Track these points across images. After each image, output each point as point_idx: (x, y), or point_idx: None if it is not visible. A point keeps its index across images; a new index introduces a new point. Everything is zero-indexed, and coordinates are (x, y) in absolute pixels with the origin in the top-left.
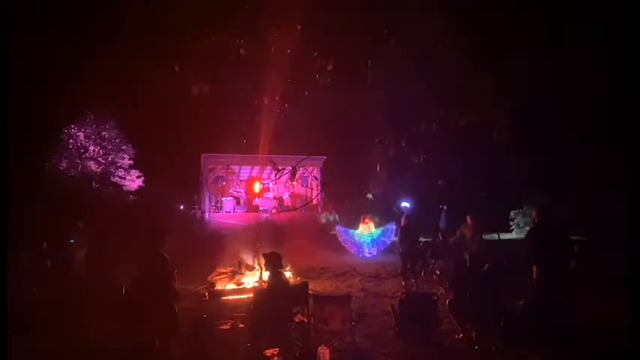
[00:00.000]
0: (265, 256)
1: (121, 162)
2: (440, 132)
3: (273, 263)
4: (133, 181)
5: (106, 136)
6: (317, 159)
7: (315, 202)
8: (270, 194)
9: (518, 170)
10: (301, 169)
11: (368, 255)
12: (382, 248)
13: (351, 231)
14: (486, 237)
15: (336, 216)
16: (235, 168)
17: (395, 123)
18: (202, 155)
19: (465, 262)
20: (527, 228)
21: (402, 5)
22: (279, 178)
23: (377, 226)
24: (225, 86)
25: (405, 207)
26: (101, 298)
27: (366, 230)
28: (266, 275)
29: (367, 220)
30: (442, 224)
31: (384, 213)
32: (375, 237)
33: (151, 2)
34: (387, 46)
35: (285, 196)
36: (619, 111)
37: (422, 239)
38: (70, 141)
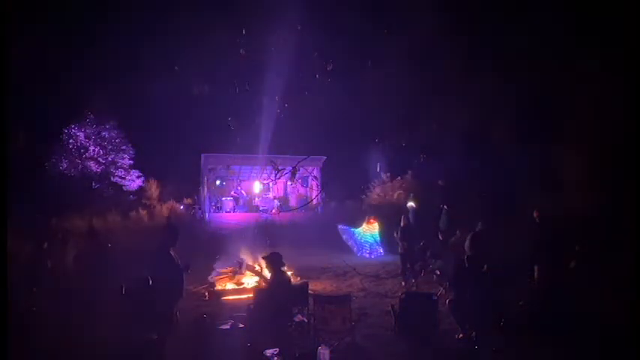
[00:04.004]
0: (265, 258)
1: (121, 162)
2: (439, 131)
3: (275, 263)
4: (133, 181)
5: (106, 136)
6: (317, 159)
7: (315, 202)
8: (270, 194)
9: (518, 170)
10: (301, 169)
11: (367, 255)
12: (380, 254)
13: (352, 229)
14: None
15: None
16: (235, 168)
17: (395, 122)
18: (202, 155)
19: (465, 262)
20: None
21: (401, 5)
22: (280, 178)
23: (383, 227)
24: (225, 86)
25: (412, 207)
26: (100, 299)
27: (369, 230)
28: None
29: (372, 221)
30: (442, 224)
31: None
32: (377, 239)
33: (151, 2)
34: (387, 46)
35: (289, 196)
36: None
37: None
38: (70, 141)
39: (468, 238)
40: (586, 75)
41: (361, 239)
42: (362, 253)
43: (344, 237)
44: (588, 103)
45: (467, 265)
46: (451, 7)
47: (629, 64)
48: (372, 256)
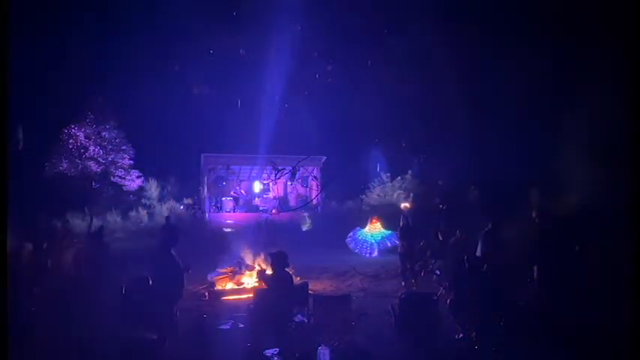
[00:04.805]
0: (272, 255)
1: (121, 162)
2: (439, 131)
3: (279, 262)
4: (133, 181)
5: (106, 136)
6: (317, 159)
7: (314, 202)
8: (270, 194)
9: (518, 170)
10: (301, 169)
11: (368, 255)
12: (382, 248)
13: (358, 231)
14: None
15: None
16: (235, 168)
17: (395, 122)
18: (202, 155)
19: (465, 262)
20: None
21: (401, 6)
22: (280, 178)
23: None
24: (225, 86)
25: (406, 208)
26: (100, 299)
27: (372, 230)
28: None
29: (375, 221)
30: (442, 224)
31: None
32: (378, 239)
33: (151, 2)
34: (387, 47)
35: (289, 196)
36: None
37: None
38: (70, 141)
39: (480, 237)
40: (587, 73)
41: (363, 239)
42: (363, 252)
43: (348, 240)
44: (589, 101)
45: (467, 265)
46: (451, 8)
47: (629, 63)
48: (370, 256)
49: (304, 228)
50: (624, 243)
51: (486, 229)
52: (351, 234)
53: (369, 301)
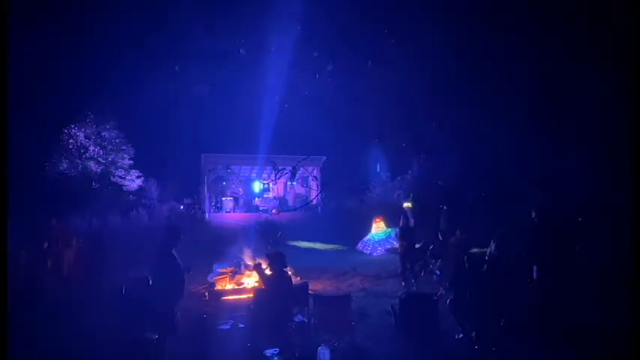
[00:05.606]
0: (269, 256)
1: (121, 162)
2: (439, 131)
3: (277, 262)
4: (133, 181)
5: (106, 136)
6: (317, 159)
7: (314, 202)
8: (271, 194)
9: (518, 168)
10: (301, 169)
11: (375, 254)
12: (388, 247)
13: (367, 237)
14: None
15: None
16: (235, 168)
17: (395, 122)
18: (202, 155)
19: (465, 262)
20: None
21: (401, 6)
22: (280, 178)
23: (387, 226)
24: (225, 86)
25: (408, 208)
26: (101, 298)
27: (376, 230)
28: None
29: (378, 220)
30: (442, 224)
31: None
32: (383, 237)
33: (151, 2)
34: (387, 46)
35: (288, 195)
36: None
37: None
38: (70, 141)
39: (495, 238)
40: (587, 73)
41: (371, 239)
42: (369, 252)
43: (360, 247)
44: (590, 100)
45: (467, 265)
46: (451, 6)
47: (630, 62)
48: (374, 254)
49: None
50: (624, 243)
51: (498, 231)
52: (364, 239)
53: (369, 301)
